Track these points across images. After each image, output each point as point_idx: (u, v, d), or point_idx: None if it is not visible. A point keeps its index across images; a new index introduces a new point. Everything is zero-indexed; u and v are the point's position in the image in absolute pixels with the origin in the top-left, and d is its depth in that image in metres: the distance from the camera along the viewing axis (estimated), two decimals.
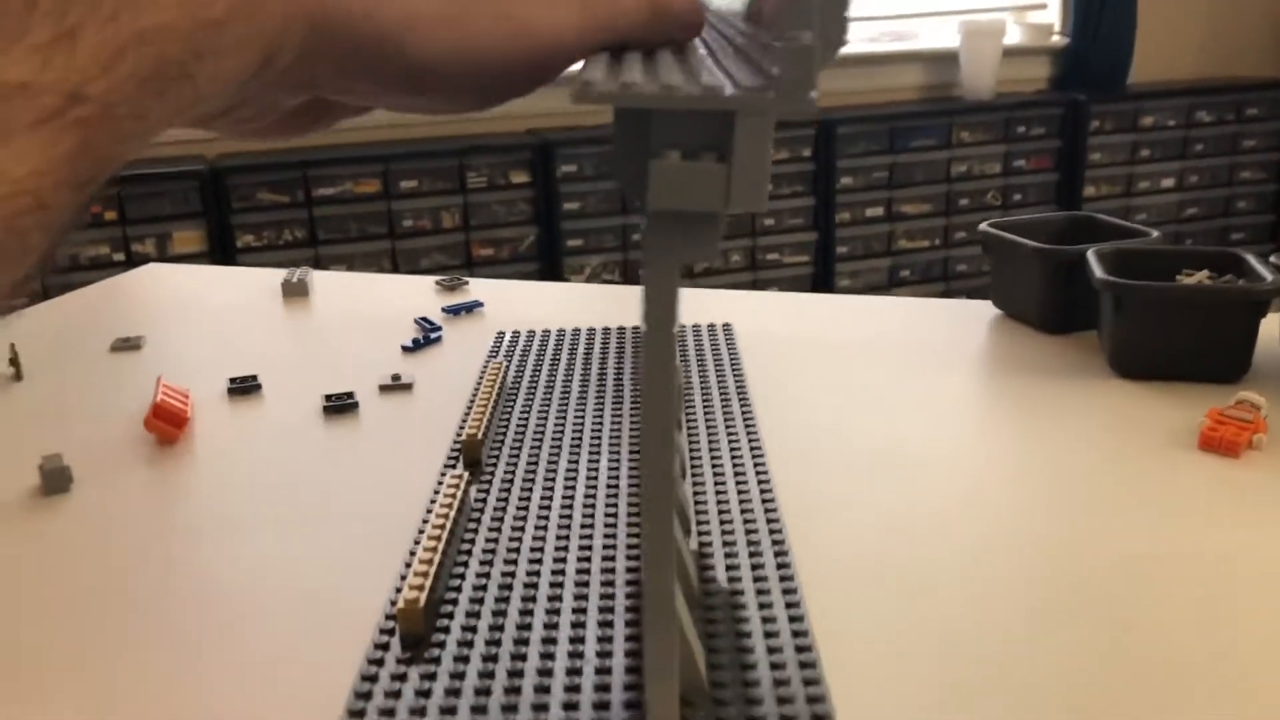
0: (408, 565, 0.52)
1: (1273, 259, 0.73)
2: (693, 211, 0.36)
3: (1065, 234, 0.87)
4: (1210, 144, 2.95)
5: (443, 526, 0.54)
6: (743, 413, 0.69)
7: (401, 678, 0.44)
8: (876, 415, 0.69)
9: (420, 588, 0.48)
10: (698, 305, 0.89)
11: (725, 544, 0.54)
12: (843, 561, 0.53)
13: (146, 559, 0.55)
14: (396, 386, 0.74)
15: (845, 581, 0.51)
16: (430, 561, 0.51)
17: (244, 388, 0.75)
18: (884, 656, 0.46)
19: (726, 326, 0.84)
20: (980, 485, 0.61)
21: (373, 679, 0.44)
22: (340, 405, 0.71)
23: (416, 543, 0.54)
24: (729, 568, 0.52)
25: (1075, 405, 0.70)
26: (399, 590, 0.49)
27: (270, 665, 0.46)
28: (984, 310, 0.87)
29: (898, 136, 2.69)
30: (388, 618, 0.48)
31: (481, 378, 0.73)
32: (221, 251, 2.31)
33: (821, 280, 2.68)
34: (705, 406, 0.70)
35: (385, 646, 0.46)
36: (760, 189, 0.35)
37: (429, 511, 0.56)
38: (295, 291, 0.95)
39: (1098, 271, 0.73)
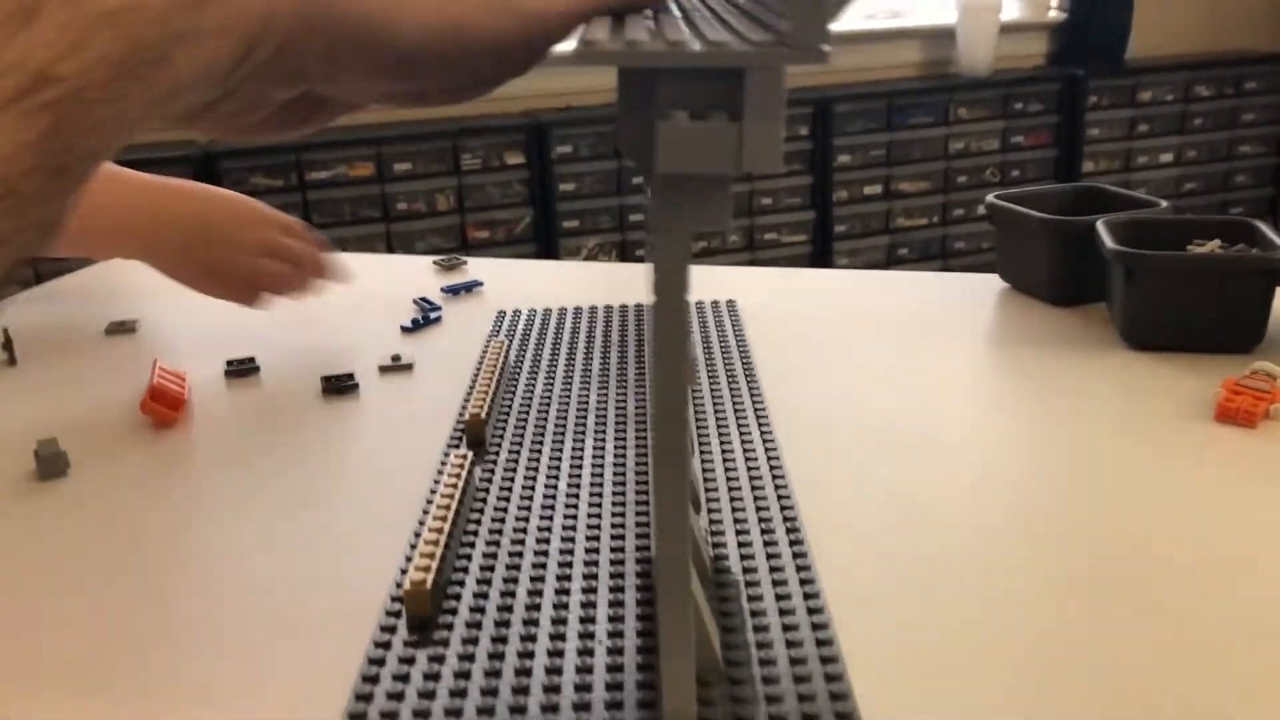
0: (413, 546, 0.51)
1: None
2: (703, 175, 0.35)
3: (1072, 206, 0.85)
4: (1209, 118, 2.93)
5: (448, 507, 0.52)
6: (750, 389, 0.68)
7: (409, 660, 0.43)
8: (885, 391, 0.68)
9: (426, 569, 0.47)
10: (700, 282, 0.88)
11: (736, 521, 0.53)
12: (853, 538, 0.52)
13: (145, 543, 0.54)
14: (397, 367, 0.73)
15: (856, 558, 0.50)
16: (436, 542, 0.49)
17: (242, 369, 0.73)
18: (899, 633, 0.45)
19: (730, 303, 0.83)
20: (992, 460, 0.60)
21: (379, 662, 0.43)
22: (340, 386, 0.70)
23: (421, 524, 0.53)
24: (741, 544, 0.51)
25: (1087, 378, 0.69)
26: (404, 572, 0.48)
27: (273, 650, 0.45)
28: (991, 283, 0.86)
29: (895, 114, 2.67)
30: (394, 599, 0.47)
31: (483, 357, 0.71)
32: None
33: (819, 259, 2.67)
34: (712, 383, 0.69)
35: (391, 629, 0.45)
36: (774, 148, 0.34)
37: (433, 492, 0.55)
38: None
39: (1108, 242, 0.72)
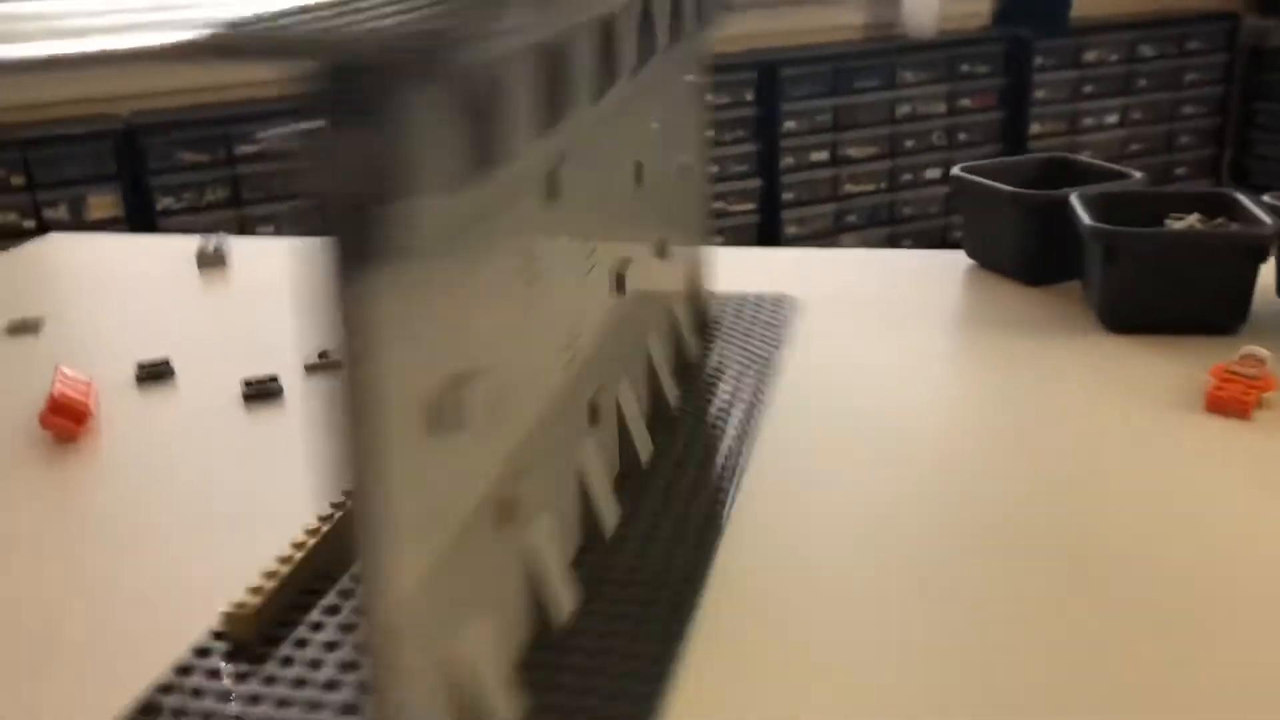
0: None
1: (1267, 198, 0.68)
2: (358, 195, 0.27)
3: (1040, 177, 0.81)
4: (1153, 79, 2.92)
5: (316, 532, 0.47)
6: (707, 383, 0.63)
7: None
8: (845, 381, 0.64)
9: (259, 590, 0.44)
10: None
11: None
12: (823, 544, 0.48)
13: (42, 573, 0.48)
14: (325, 364, 0.67)
15: (826, 561, 0.46)
16: (290, 560, 0.46)
17: (154, 373, 0.67)
18: (876, 640, 0.41)
19: None
20: (960, 457, 0.56)
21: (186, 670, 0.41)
22: (262, 391, 0.64)
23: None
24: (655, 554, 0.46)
25: (1064, 363, 0.65)
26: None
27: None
28: (957, 261, 0.81)
29: (841, 78, 2.63)
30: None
31: None
32: (141, 215, 2.19)
33: (768, 228, 2.62)
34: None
35: (205, 651, 0.42)
36: (445, 158, 0.27)
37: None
38: (211, 262, 0.87)
39: (1085, 218, 0.68)
